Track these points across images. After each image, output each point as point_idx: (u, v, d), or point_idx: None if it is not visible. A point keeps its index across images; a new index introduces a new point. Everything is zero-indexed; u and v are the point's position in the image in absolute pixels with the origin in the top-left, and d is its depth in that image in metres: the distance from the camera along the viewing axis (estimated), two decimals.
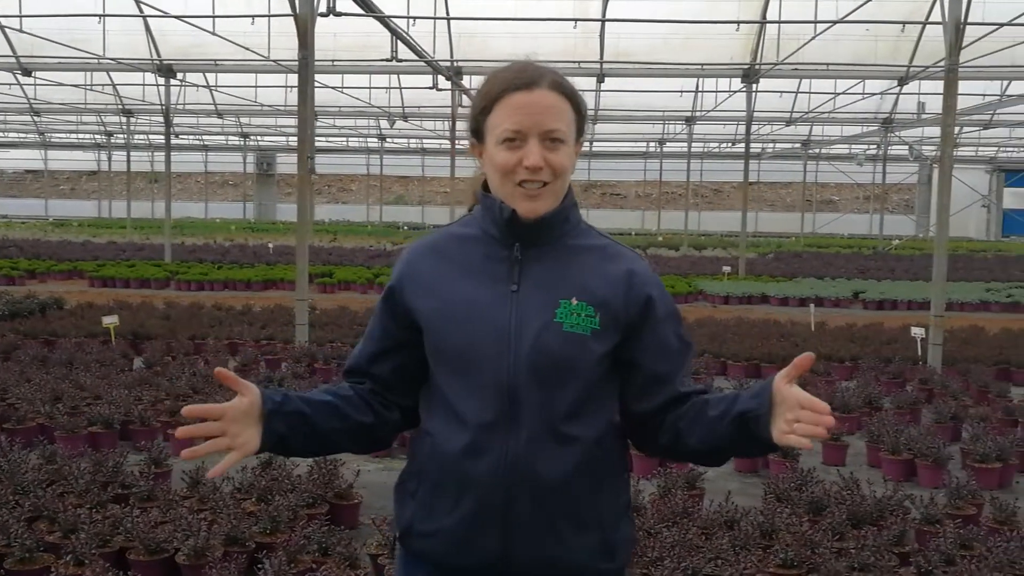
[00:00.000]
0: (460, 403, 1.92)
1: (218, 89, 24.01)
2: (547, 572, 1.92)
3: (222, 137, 39.92)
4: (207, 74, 22.57)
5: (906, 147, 31.30)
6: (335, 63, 17.64)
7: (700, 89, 23.68)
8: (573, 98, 1.95)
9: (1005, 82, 20.15)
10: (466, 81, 19.71)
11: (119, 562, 4.34)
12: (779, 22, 15.86)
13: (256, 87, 24.27)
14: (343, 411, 2.02)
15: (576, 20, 15.76)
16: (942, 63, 13.73)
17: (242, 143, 40.91)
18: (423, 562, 2.01)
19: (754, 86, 18.78)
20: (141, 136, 36.68)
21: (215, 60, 18.40)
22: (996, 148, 36.54)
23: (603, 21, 16.10)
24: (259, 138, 40.89)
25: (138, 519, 4.57)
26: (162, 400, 7.47)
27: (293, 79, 22.07)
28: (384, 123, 30.65)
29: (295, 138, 36.94)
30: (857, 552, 4.51)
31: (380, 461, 6.72)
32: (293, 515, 4.84)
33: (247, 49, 16.34)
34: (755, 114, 20.41)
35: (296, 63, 15.49)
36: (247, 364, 9.27)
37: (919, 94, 21.81)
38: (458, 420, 1.92)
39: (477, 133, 1.98)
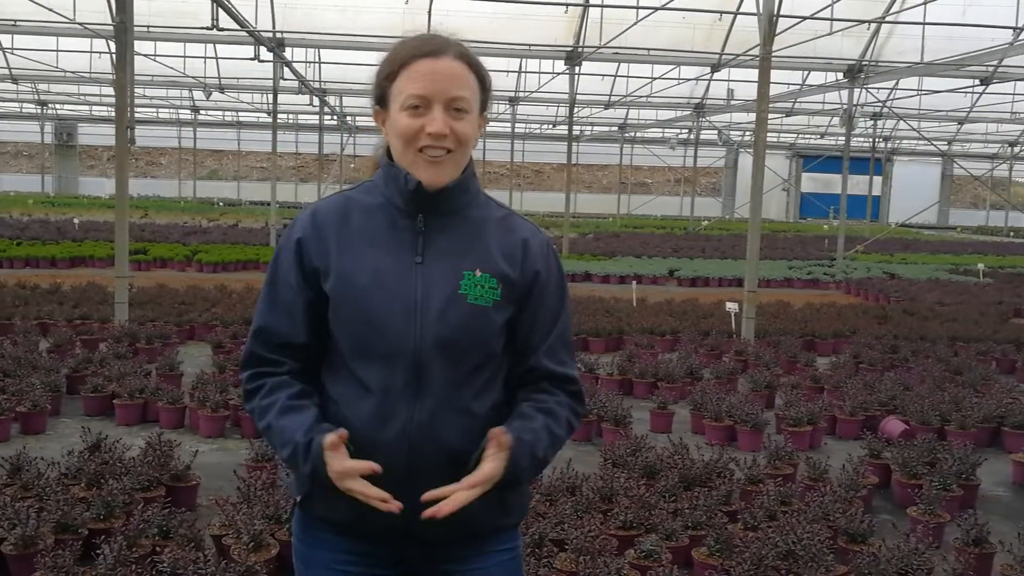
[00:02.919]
0: (365, 371, 1.92)
1: (13, 52, 22.35)
2: (448, 531, 1.95)
3: (16, 104, 37.13)
4: (1, 35, 20.98)
5: (715, 132, 32.91)
6: (150, 29, 16.77)
7: (524, 70, 24.03)
8: (478, 70, 1.95)
9: (805, 72, 21.51)
10: (289, 53, 19.21)
11: None
12: (602, 6, 16.31)
13: (57, 51, 22.74)
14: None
15: None
16: (752, 51, 14.54)
17: (39, 111, 38.17)
18: (326, 525, 2.00)
19: (577, 69, 19.24)
20: None
21: (13, 20, 17.11)
22: (795, 135, 39.02)
23: None
24: (59, 107, 38.30)
25: None
26: None
27: (99, 44, 20.94)
28: (199, 94, 29.41)
29: (100, 107, 35.32)
30: (690, 512, 4.78)
31: (215, 441, 6.52)
32: (128, 499, 4.63)
33: (50, 10, 15.27)
34: (577, 97, 20.90)
35: (105, 27, 14.75)
36: (61, 345, 8.75)
37: (728, 81, 22.94)
38: (363, 388, 1.92)
39: (381, 100, 1.97)
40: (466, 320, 1.91)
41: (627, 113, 32.31)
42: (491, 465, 1.87)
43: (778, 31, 10.09)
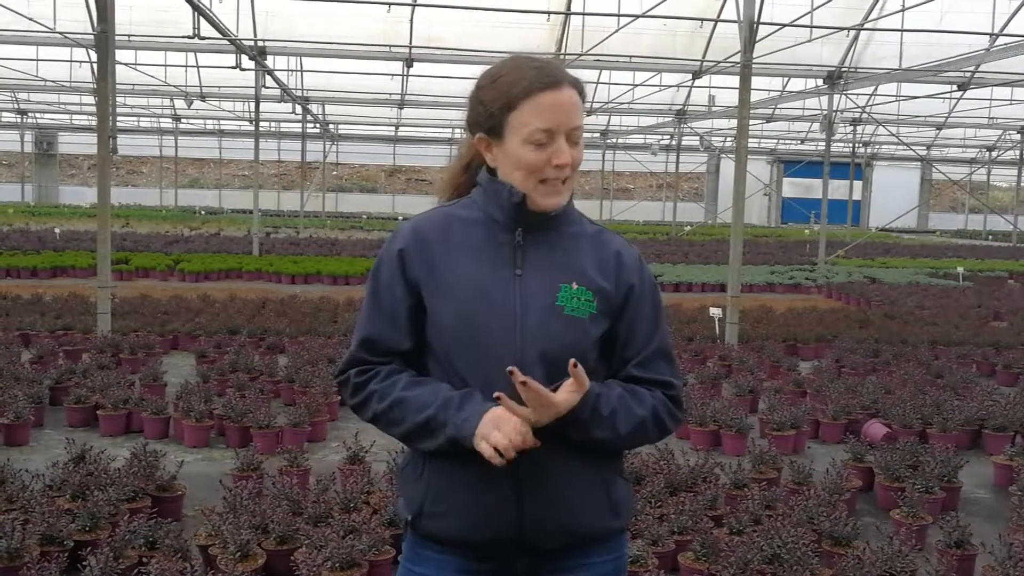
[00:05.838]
0: (467, 382, 1.94)
1: None
2: (560, 538, 1.98)
3: None
4: None
5: (697, 138, 33.05)
6: (131, 38, 16.71)
7: None
8: (583, 93, 2.00)
9: (786, 78, 21.66)
10: (270, 61, 19.19)
11: None
12: (584, 14, 16.37)
13: (37, 60, 22.63)
14: None
15: (388, 3, 15.61)
16: (733, 58, 14.63)
17: (19, 120, 37.96)
18: (434, 543, 2.01)
19: None
20: None
21: None
22: (776, 140, 39.23)
23: (414, 5, 16.05)
24: (39, 115, 38.09)
25: None
26: None
27: (79, 53, 20.83)
28: (180, 103, 29.30)
29: (81, 116, 35.14)
30: (676, 517, 4.80)
31: (200, 452, 6.50)
32: (114, 510, 4.62)
33: (30, 19, 15.20)
34: None
35: (86, 36, 14.70)
36: (43, 356, 8.70)
37: (710, 87, 23.05)
38: None
39: (493, 130, 1.97)
40: (563, 331, 1.94)
41: (609, 119, 32.42)
42: (564, 396, 1.86)
43: (758, 38, 10.15)
